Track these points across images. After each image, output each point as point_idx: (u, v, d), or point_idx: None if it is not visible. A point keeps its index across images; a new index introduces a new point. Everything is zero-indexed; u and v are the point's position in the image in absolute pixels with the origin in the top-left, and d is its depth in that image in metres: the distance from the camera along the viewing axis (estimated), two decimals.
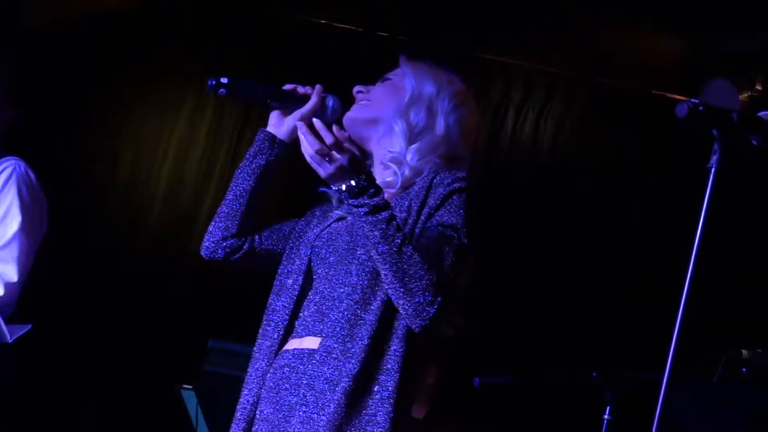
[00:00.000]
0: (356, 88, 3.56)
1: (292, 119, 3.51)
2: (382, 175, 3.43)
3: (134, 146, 7.31)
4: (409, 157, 3.40)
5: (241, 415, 3.36)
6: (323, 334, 3.26)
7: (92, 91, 7.12)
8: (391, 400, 3.16)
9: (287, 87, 3.54)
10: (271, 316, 3.43)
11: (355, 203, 3.21)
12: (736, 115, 3.22)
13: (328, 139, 3.17)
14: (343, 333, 3.23)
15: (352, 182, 3.19)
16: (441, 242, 3.22)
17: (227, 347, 5.60)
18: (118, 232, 7.22)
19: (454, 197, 3.28)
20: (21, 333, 4.35)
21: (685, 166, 3.48)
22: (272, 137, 3.58)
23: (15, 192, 4.50)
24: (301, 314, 3.37)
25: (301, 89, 3.51)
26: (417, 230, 3.26)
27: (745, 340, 4.94)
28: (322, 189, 3.51)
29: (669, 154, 6.58)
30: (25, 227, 4.49)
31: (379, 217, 3.18)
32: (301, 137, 3.21)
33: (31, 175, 4.56)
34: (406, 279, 3.17)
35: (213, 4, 7.19)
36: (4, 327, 4.28)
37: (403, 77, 3.52)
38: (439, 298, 3.15)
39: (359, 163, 3.20)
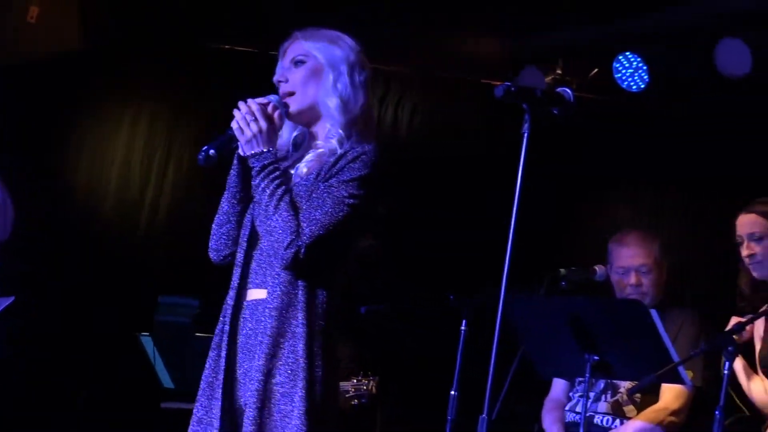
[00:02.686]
0: (276, 78, 3.30)
1: None
2: (333, 125, 3.25)
3: (89, 153, 7.22)
4: (342, 129, 3.22)
5: (222, 344, 3.21)
6: (266, 286, 3.17)
7: (55, 112, 7.05)
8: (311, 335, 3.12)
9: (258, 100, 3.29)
10: (234, 266, 3.27)
11: (252, 162, 3.17)
12: (539, 91, 3.27)
13: (252, 112, 3.16)
14: (282, 286, 3.14)
15: (261, 150, 3.16)
16: (326, 198, 3.10)
17: (172, 301, 5.56)
18: (79, 221, 7.13)
19: (354, 163, 3.13)
20: (4, 305, 4.08)
21: (508, 134, 3.48)
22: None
23: None
24: (250, 267, 3.22)
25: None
26: (320, 188, 3.13)
27: (561, 261, 4.99)
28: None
29: (497, 127, 6.60)
30: None
31: (266, 174, 3.14)
32: (235, 112, 3.19)
33: None
34: (275, 226, 3.10)
35: (145, 39, 7.12)
36: None
37: (314, 55, 3.26)
38: (301, 244, 3.06)
39: (270, 136, 3.17)
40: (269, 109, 3.23)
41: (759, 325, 4.48)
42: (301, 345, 3.10)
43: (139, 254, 7.12)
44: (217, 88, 6.98)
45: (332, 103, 3.24)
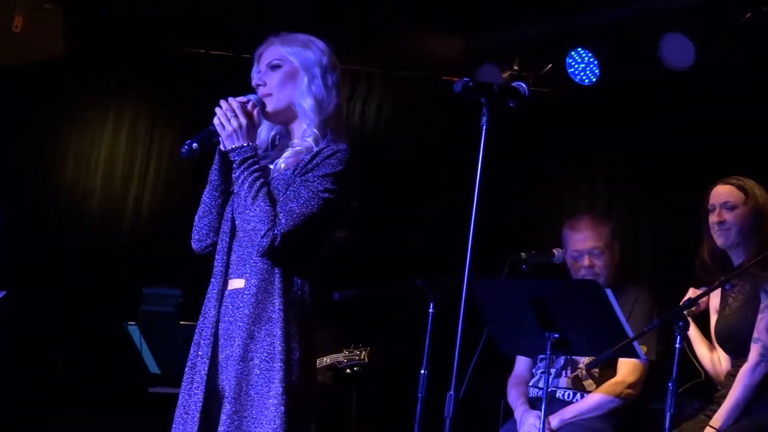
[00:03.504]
0: (254, 82, 3.29)
1: None
2: (309, 124, 3.24)
3: (75, 153, 7.20)
4: (317, 129, 3.21)
5: (205, 331, 3.20)
6: (245, 275, 3.15)
7: (41, 114, 7.05)
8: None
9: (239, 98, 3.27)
10: (216, 257, 3.25)
11: (232, 156, 3.16)
12: (496, 86, 3.26)
13: (233, 108, 3.16)
14: (260, 275, 3.13)
15: (241, 144, 3.16)
16: (303, 191, 3.09)
17: (157, 292, 5.54)
18: (67, 217, 7.12)
19: (329, 160, 3.13)
20: None
21: (468, 127, 3.46)
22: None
23: None
24: (231, 258, 3.20)
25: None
26: (296, 182, 3.12)
27: (522, 245, 4.97)
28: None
29: (457, 122, 6.58)
30: None
31: (246, 167, 3.13)
32: (217, 109, 3.18)
33: None
34: (253, 216, 3.09)
35: (126, 45, 7.11)
36: None
37: (289, 60, 3.25)
38: (277, 233, 3.05)
39: (250, 132, 3.17)
40: (249, 106, 3.23)
41: (714, 297, 4.47)
42: (277, 329, 3.08)
43: (124, 248, 7.12)
44: (194, 89, 7.00)
45: (307, 103, 3.23)
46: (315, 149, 3.17)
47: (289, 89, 3.24)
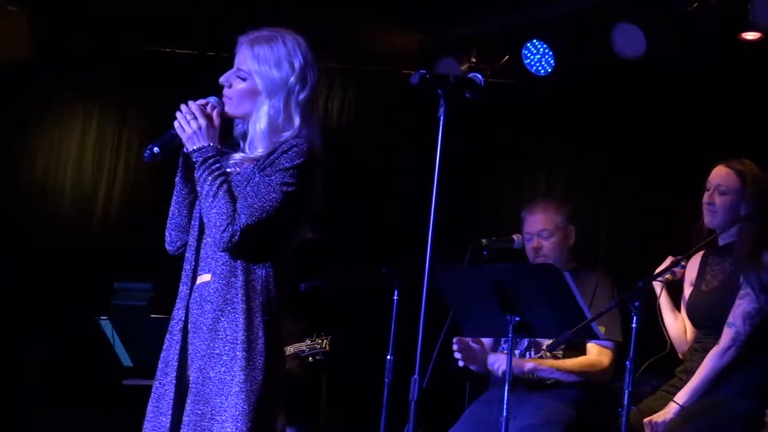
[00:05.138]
0: (221, 80, 3.24)
1: None
2: (253, 141, 3.23)
3: (45, 151, 7.20)
4: (265, 146, 3.18)
5: (175, 326, 3.21)
6: (211, 270, 3.15)
7: (11, 114, 7.07)
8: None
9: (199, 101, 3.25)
10: (186, 254, 3.25)
11: (194, 157, 3.17)
12: (453, 77, 3.27)
13: (192, 111, 3.16)
14: (225, 270, 3.13)
15: (202, 144, 3.16)
16: (262, 186, 3.09)
17: (128, 286, 5.52)
18: (38, 215, 7.12)
19: (288, 153, 3.12)
20: None
21: (427, 118, 3.48)
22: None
23: None
24: (200, 255, 3.21)
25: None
26: (256, 178, 3.12)
27: (483, 232, 5.00)
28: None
29: (418, 114, 6.60)
30: None
31: (207, 166, 3.14)
32: (177, 113, 3.18)
33: None
34: (214, 212, 3.10)
35: (89, 46, 7.11)
36: None
37: (254, 79, 3.19)
38: (236, 228, 3.06)
39: (210, 132, 3.17)
40: (208, 108, 3.23)
41: (692, 270, 4.48)
42: (240, 320, 3.09)
43: (95, 244, 7.12)
44: (161, 88, 6.97)
45: (260, 126, 3.20)
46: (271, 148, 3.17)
47: (247, 105, 3.22)
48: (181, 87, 6.70)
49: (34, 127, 7.18)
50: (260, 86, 3.19)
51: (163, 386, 3.17)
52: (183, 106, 3.21)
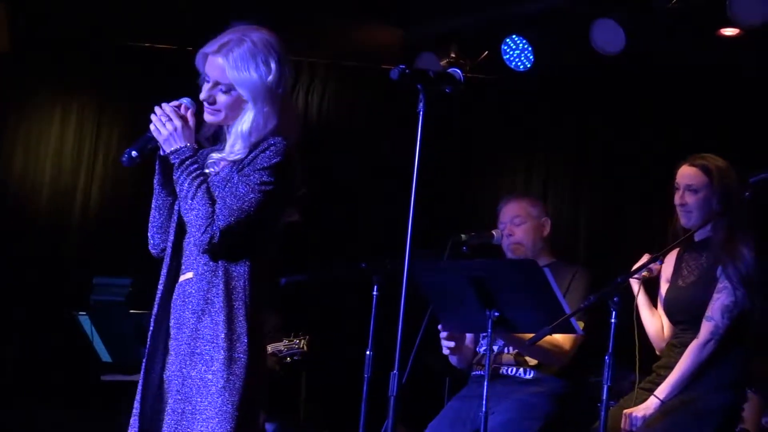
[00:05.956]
0: (202, 97, 3.20)
1: None
2: (234, 143, 3.21)
3: (23, 148, 7.18)
4: (245, 147, 3.17)
5: (155, 318, 3.20)
6: (193, 269, 3.15)
7: None
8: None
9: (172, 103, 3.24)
10: (166, 253, 3.24)
11: (172, 158, 3.16)
12: (432, 72, 3.26)
13: (166, 113, 3.17)
14: (206, 270, 3.13)
15: (179, 146, 3.16)
16: (240, 186, 3.09)
17: (106, 281, 5.51)
18: (16, 210, 7.10)
19: (265, 152, 3.11)
20: None
21: (408, 113, 3.47)
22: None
23: None
24: (183, 254, 3.20)
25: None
26: (234, 178, 3.12)
27: (462, 227, 4.99)
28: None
29: (398, 109, 6.60)
30: None
31: (185, 167, 3.13)
32: (152, 116, 3.18)
33: None
34: (193, 213, 3.10)
35: (67, 41, 7.09)
36: None
37: (236, 90, 3.16)
38: (215, 230, 3.07)
39: (185, 133, 3.17)
40: (182, 109, 3.23)
41: (667, 266, 4.48)
42: (221, 319, 3.09)
43: (73, 239, 7.10)
44: (140, 83, 6.97)
45: (242, 128, 3.18)
46: (250, 149, 3.16)
47: (235, 113, 3.20)
48: (160, 82, 6.73)
49: (12, 122, 7.16)
50: (245, 95, 3.17)
51: (147, 379, 3.16)
52: (157, 108, 3.21)
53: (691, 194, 4.33)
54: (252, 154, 3.13)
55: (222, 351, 3.06)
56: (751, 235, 4.23)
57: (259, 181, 3.09)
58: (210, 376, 3.05)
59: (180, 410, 3.07)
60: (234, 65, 3.17)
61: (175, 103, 3.23)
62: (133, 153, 3.20)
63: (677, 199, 4.37)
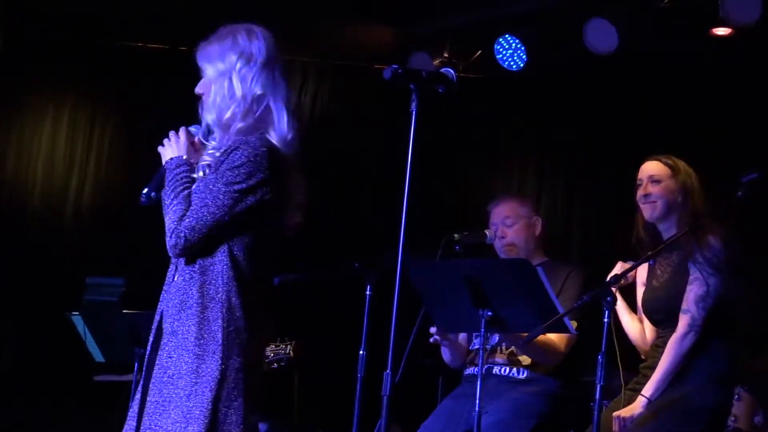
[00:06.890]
0: (197, 90, 3.29)
1: None
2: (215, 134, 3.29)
3: (16, 147, 7.15)
4: (228, 125, 3.22)
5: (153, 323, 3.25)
6: (179, 272, 3.19)
7: None
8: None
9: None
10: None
11: (166, 164, 3.23)
12: (425, 72, 3.27)
13: (176, 134, 3.26)
14: (186, 271, 3.16)
15: (178, 155, 3.24)
16: (207, 189, 3.13)
17: (99, 281, 5.49)
18: (8, 211, 7.07)
19: (234, 153, 3.13)
20: None
21: (401, 113, 3.47)
22: None
23: None
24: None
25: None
26: (203, 183, 3.16)
27: (456, 227, 4.99)
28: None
29: (391, 108, 6.60)
30: None
31: (175, 174, 3.20)
32: (164, 140, 3.28)
33: None
34: (167, 218, 3.15)
35: (60, 41, 7.06)
36: None
37: (206, 82, 3.26)
38: (179, 233, 3.10)
39: (187, 147, 3.25)
40: (195, 140, 3.32)
41: (642, 270, 4.50)
42: (194, 318, 3.11)
43: (66, 239, 7.08)
44: (132, 82, 6.96)
45: (210, 118, 3.26)
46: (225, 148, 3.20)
47: (217, 107, 3.24)
48: (153, 82, 6.73)
49: (4, 121, 7.13)
50: (225, 88, 3.23)
51: (145, 378, 3.21)
52: (171, 133, 3.29)
53: (654, 184, 4.37)
54: (221, 156, 3.15)
55: (191, 353, 3.08)
56: (717, 224, 4.24)
57: (226, 181, 3.11)
58: (178, 377, 3.08)
59: (155, 410, 3.09)
60: (209, 58, 3.25)
61: (185, 127, 3.32)
62: (152, 194, 3.26)
63: (640, 192, 4.41)
